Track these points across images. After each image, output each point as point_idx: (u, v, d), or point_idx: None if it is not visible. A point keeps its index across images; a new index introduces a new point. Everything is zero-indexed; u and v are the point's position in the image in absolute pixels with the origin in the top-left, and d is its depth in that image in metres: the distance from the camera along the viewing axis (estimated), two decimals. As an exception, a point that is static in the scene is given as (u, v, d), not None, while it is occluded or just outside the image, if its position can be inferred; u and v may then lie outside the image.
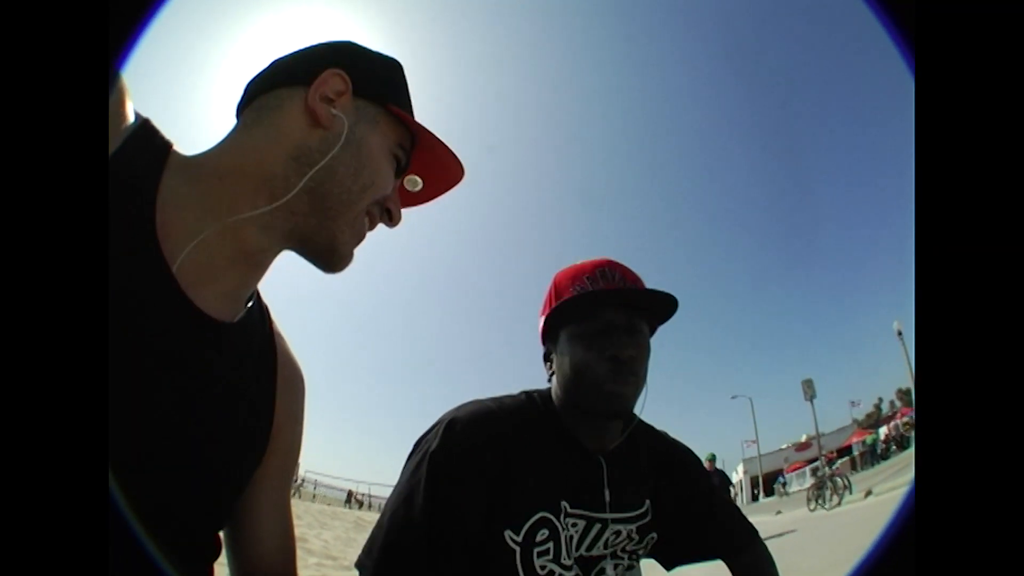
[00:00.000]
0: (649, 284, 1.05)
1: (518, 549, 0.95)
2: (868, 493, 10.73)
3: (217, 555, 0.71)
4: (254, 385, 0.72)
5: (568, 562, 0.99)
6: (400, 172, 0.75)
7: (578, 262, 1.09)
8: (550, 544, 0.97)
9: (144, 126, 0.65)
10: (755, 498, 37.16)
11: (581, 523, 1.01)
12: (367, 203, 0.70)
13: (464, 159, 0.76)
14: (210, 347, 0.64)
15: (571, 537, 1.00)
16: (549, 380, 1.09)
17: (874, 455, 24.22)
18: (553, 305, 1.04)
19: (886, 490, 10.31)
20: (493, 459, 0.95)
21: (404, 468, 0.97)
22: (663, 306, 1.03)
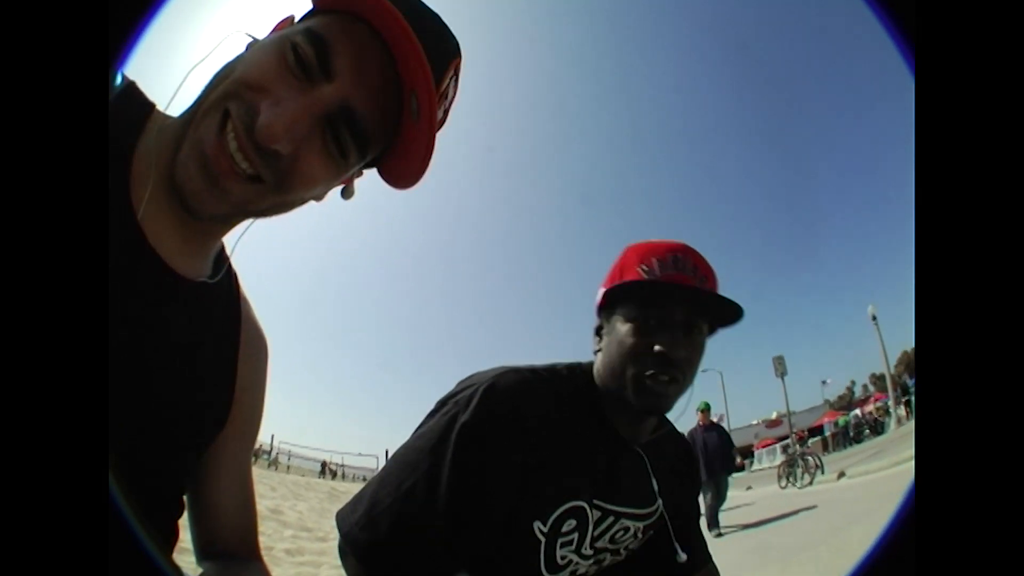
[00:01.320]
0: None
1: (544, 540, 0.89)
2: (841, 475, 10.75)
3: (181, 512, 0.71)
4: (215, 348, 0.72)
5: (588, 552, 0.95)
6: (306, 69, 0.58)
7: (655, 240, 1.02)
8: (575, 535, 0.92)
9: (129, 87, 0.66)
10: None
11: (597, 513, 0.96)
12: (223, 90, 0.58)
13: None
14: (171, 301, 0.64)
15: (602, 528, 0.97)
16: (595, 354, 1.03)
17: (846, 437, 24.73)
18: (617, 281, 0.98)
19: (860, 473, 10.35)
20: (530, 439, 0.88)
21: (422, 432, 0.89)
22: (728, 313, 0.97)
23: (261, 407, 0.80)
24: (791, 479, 12.47)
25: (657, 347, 0.90)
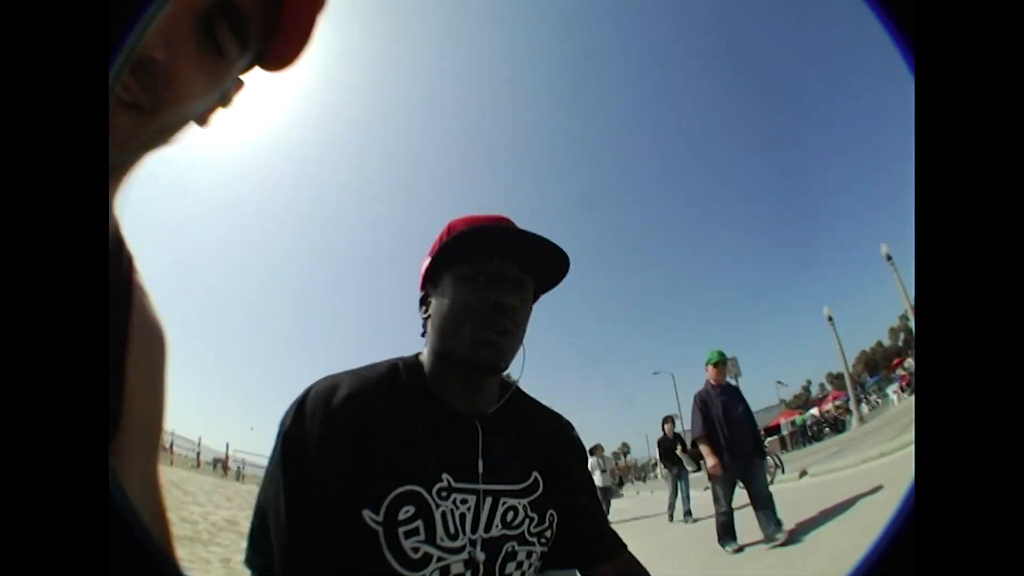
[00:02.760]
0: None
1: (380, 530, 0.83)
2: (803, 473, 10.80)
3: None
4: None
5: (453, 544, 0.87)
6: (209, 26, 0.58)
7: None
8: (418, 522, 0.84)
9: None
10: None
11: (471, 499, 0.90)
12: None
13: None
14: None
15: (462, 515, 0.89)
16: (423, 328, 1.02)
17: (805, 435, 25.28)
18: (443, 242, 0.99)
19: (823, 471, 10.33)
20: (351, 433, 0.86)
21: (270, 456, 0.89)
22: (554, 268, 1.01)
23: (162, 407, 0.73)
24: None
25: (492, 298, 0.92)
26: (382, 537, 0.82)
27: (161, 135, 0.61)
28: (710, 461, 5.20)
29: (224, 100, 0.67)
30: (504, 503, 0.94)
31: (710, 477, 5.30)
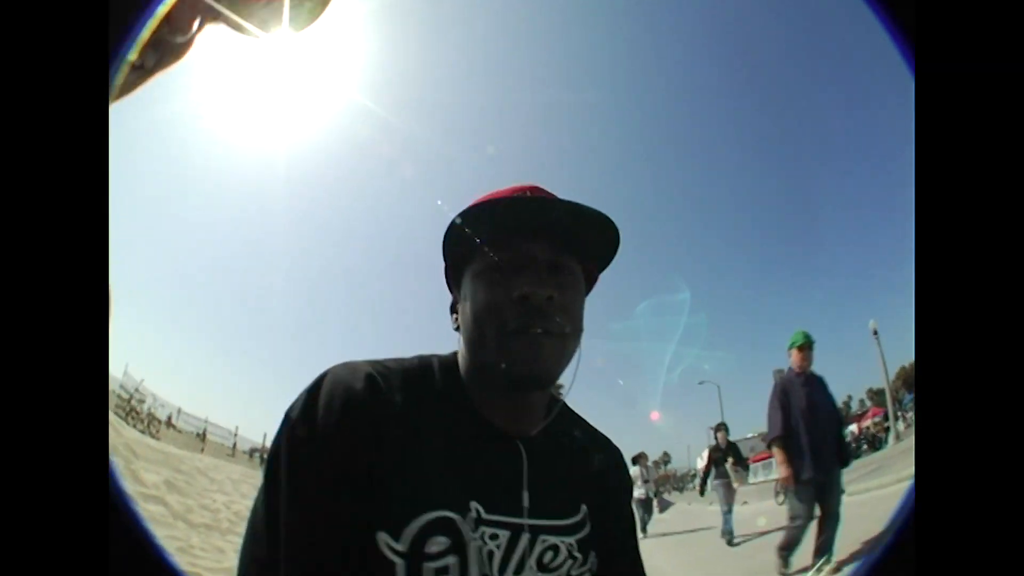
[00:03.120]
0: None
1: (400, 563, 0.66)
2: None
3: None
4: None
5: None
6: None
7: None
8: (451, 559, 0.68)
9: None
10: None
11: (504, 534, 0.74)
12: None
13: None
14: None
15: (490, 552, 0.72)
16: (457, 333, 0.85)
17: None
18: (450, 230, 0.81)
19: (861, 490, 9.97)
20: (372, 433, 0.69)
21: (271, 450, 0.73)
22: (599, 241, 0.80)
23: None
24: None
25: (516, 292, 0.73)
26: (401, 571, 0.66)
27: None
28: (783, 471, 4.35)
29: None
30: (544, 541, 0.78)
31: (785, 488, 4.56)
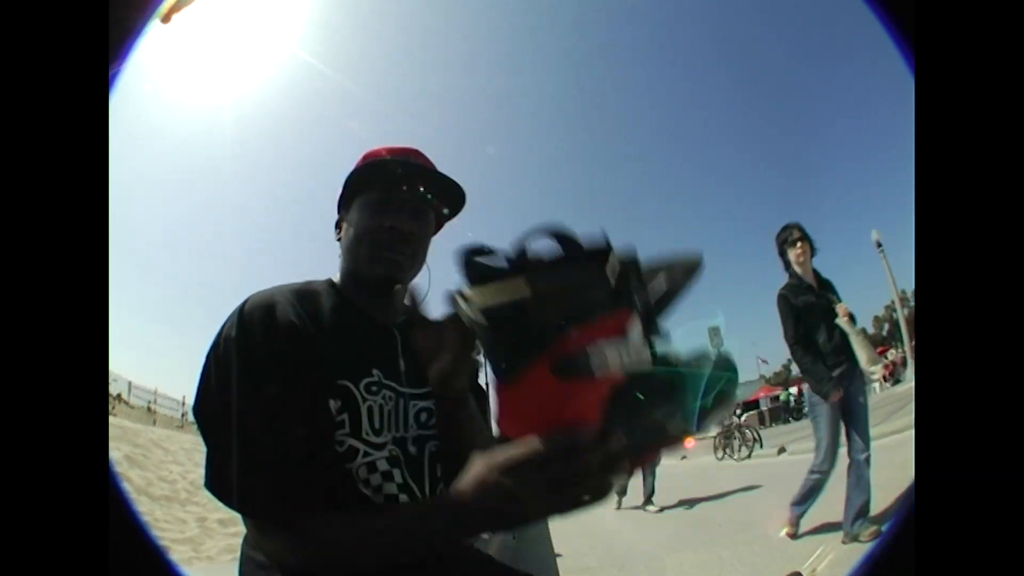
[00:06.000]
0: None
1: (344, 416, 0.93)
2: (781, 450, 11.02)
3: None
4: None
5: (377, 439, 0.94)
6: None
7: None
8: (344, 416, 0.92)
9: None
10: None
11: (392, 398, 0.99)
12: None
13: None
14: None
15: (388, 412, 0.97)
16: (339, 244, 1.13)
17: (787, 411, 25.52)
18: (355, 171, 1.11)
19: (803, 450, 10.58)
20: (290, 332, 0.92)
21: (208, 377, 0.90)
22: (451, 198, 1.13)
23: None
24: (728, 451, 12.80)
25: (388, 223, 1.04)
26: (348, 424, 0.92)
27: None
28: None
29: None
30: (415, 404, 1.02)
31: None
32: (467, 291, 0.59)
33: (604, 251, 0.57)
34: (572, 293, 0.56)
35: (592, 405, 0.56)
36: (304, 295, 1.00)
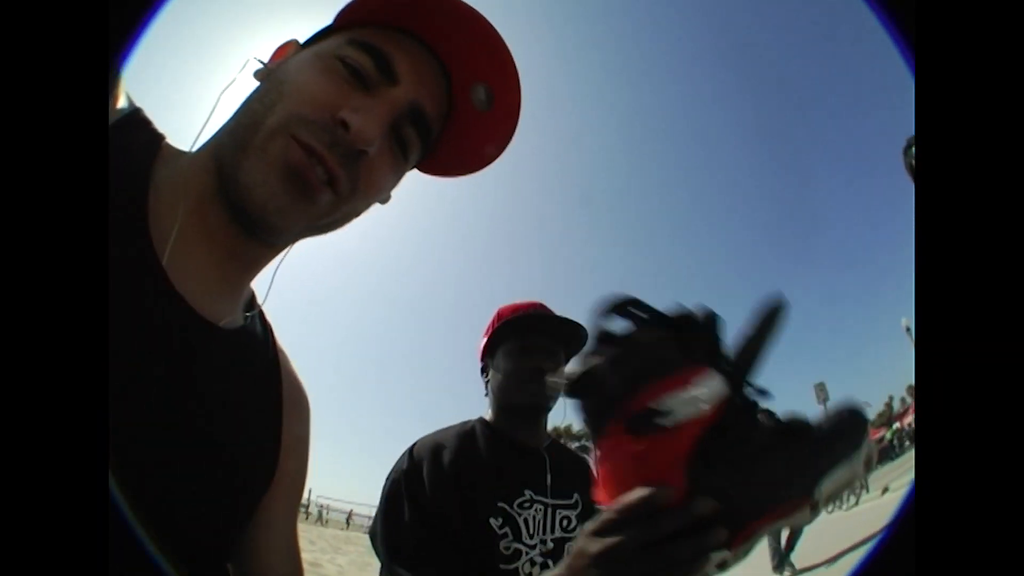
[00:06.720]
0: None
1: (505, 532, 1.17)
2: (885, 490, 10.60)
3: None
4: (257, 401, 0.67)
5: (532, 542, 1.18)
6: (364, 78, 0.59)
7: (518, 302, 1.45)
8: (506, 528, 1.17)
9: (136, 114, 0.63)
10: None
11: (542, 509, 1.23)
12: (281, 119, 0.56)
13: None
14: (206, 352, 0.58)
15: (539, 521, 1.21)
16: (486, 389, 1.40)
17: (890, 451, 23.82)
18: (495, 327, 1.37)
19: (902, 486, 10.01)
20: (453, 473, 1.18)
21: (387, 508, 1.18)
22: (576, 339, 1.34)
23: (306, 466, 0.76)
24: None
25: (530, 365, 1.30)
26: (497, 540, 1.15)
27: (344, 218, 0.63)
28: None
29: (385, 197, 0.69)
30: (560, 512, 1.25)
31: None
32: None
33: (688, 319, 0.57)
34: (641, 355, 0.56)
35: (673, 465, 0.52)
36: (464, 437, 1.27)
